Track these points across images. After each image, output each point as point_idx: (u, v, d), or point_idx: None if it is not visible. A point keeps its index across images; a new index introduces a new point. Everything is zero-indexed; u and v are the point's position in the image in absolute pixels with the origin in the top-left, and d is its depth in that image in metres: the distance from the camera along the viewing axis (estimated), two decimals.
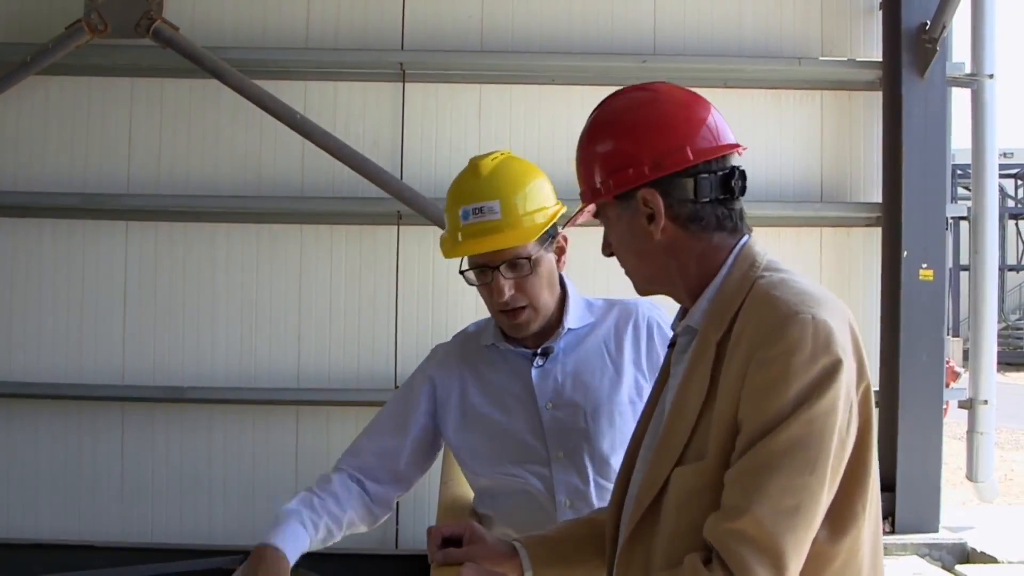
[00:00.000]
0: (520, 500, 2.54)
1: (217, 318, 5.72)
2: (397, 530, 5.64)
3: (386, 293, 5.72)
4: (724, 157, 1.75)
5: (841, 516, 1.58)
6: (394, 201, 5.48)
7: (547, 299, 2.54)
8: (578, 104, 5.72)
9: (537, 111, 5.78)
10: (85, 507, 5.65)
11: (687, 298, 1.77)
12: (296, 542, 2.49)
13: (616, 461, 2.45)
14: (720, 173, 1.73)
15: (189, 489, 5.65)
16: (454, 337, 2.80)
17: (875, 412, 1.65)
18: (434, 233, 5.55)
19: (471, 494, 2.91)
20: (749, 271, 1.70)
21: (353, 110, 5.78)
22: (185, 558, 5.40)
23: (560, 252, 2.57)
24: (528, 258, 2.47)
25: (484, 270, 2.48)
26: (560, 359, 2.57)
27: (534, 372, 2.56)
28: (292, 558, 2.45)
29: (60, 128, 5.74)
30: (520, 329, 2.53)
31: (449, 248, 2.54)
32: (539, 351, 2.57)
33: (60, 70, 5.55)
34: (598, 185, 1.76)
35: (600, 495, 2.47)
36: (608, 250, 1.84)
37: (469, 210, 2.48)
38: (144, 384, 5.65)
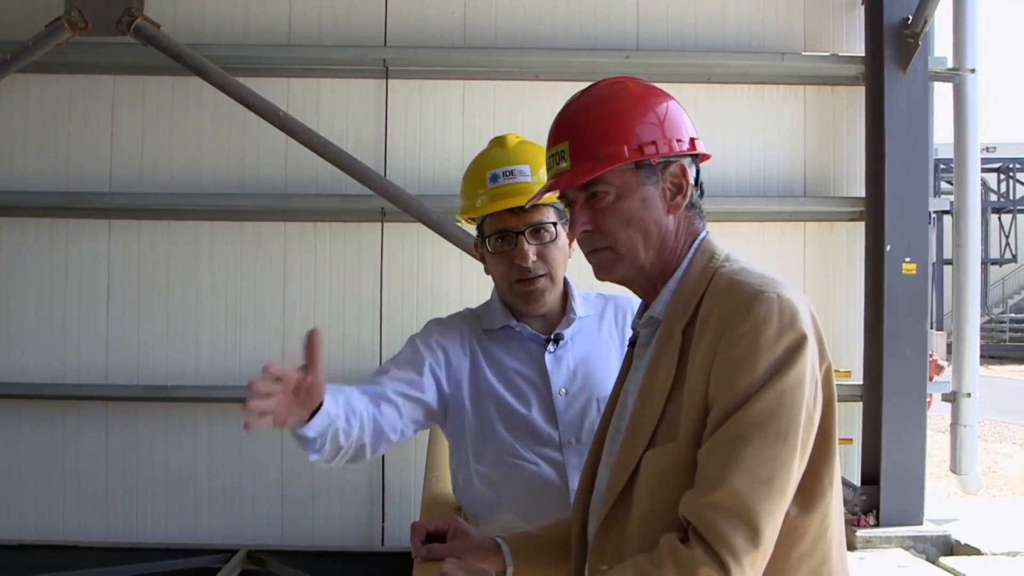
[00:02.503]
0: (532, 486, 2.52)
1: (201, 316, 5.71)
2: (383, 527, 5.65)
3: (370, 290, 5.72)
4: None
5: (810, 491, 1.61)
6: (378, 198, 5.48)
7: (561, 273, 2.57)
8: (561, 100, 5.68)
9: (520, 107, 5.79)
10: (69, 507, 5.64)
11: (656, 283, 1.79)
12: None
13: None
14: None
15: (174, 488, 5.64)
16: (452, 316, 2.75)
17: (835, 392, 1.69)
18: (418, 229, 5.57)
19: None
20: (709, 262, 1.74)
21: (336, 107, 5.78)
22: (171, 557, 5.39)
23: (571, 238, 2.57)
24: (554, 224, 2.50)
25: (507, 236, 2.48)
26: (570, 346, 2.58)
27: (548, 358, 2.56)
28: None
29: (41, 127, 5.71)
30: (535, 299, 2.52)
31: (478, 207, 2.52)
32: (552, 336, 2.57)
33: (40, 68, 5.53)
34: (646, 145, 1.75)
35: None
36: (587, 227, 1.78)
37: (499, 173, 2.51)
38: (128, 383, 5.63)
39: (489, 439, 2.56)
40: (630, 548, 1.66)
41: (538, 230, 2.48)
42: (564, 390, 2.53)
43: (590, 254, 1.81)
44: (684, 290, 1.73)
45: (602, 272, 1.82)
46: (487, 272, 2.62)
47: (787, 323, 1.57)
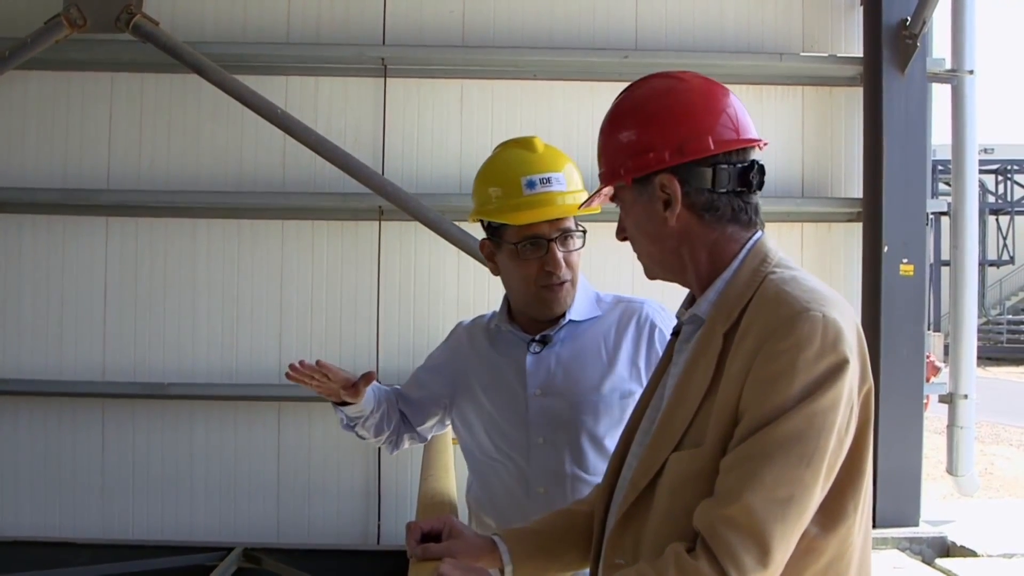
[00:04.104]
0: (499, 484, 2.58)
1: (198, 314, 5.70)
2: (379, 526, 5.64)
3: (368, 288, 5.72)
4: (744, 150, 1.74)
5: (832, 513, 1.58)
6: (376, 196, 5.48)
7: (579, 279, 2.60)
8: (560, 99, 5.73)
9: (519, 106, 5.78)
10: (65, 504, 5.63)
11: (696, 286, 1.78)
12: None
13: (593, 454, 2.50)
14: (739, 165, 1.72)
15: (170, 486, 5.63)
16: (476, 317, 2.84)
17: (872, 415, 1.65)
18: (416, 228, 5.57)
19: (451, 489, 2.93)
20: (760, 266, 1.70)
21: (334, 105, 5.77)
22: (166, 555, 5.39)
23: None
24: (584, 232, 2.52)
25: (538, 243, 2.48)
26: (557, 348, 2.58)
27: (529, 358, 2.57)
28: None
29: (39, 123, 5.71)
30: (557, 304, 2.54)
31: (519, 214, 2.48)
32: (537, 338, 2.59)
33: (39, 65, 5.52)
34: (618, 168, 1.75)
35: (575, 485, 2.49)
36: (622, 234, 1.84)
37: (536, 180, 2.48)
38: (125, 380, 5.63)
39: (473, 438, 2.64)
40: (646, 546, 1.65)
41: (567, 237, 2.50)
42: (539, 390, 2.55)
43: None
44: (731, 293, 1.69)
45: (646, 273, 1.86)
46: (495, 273, 2.63)
47: (829, 345, 1.53)
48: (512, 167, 2.53)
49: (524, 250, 2.48)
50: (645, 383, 2.49)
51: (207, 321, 5.70)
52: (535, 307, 2.56)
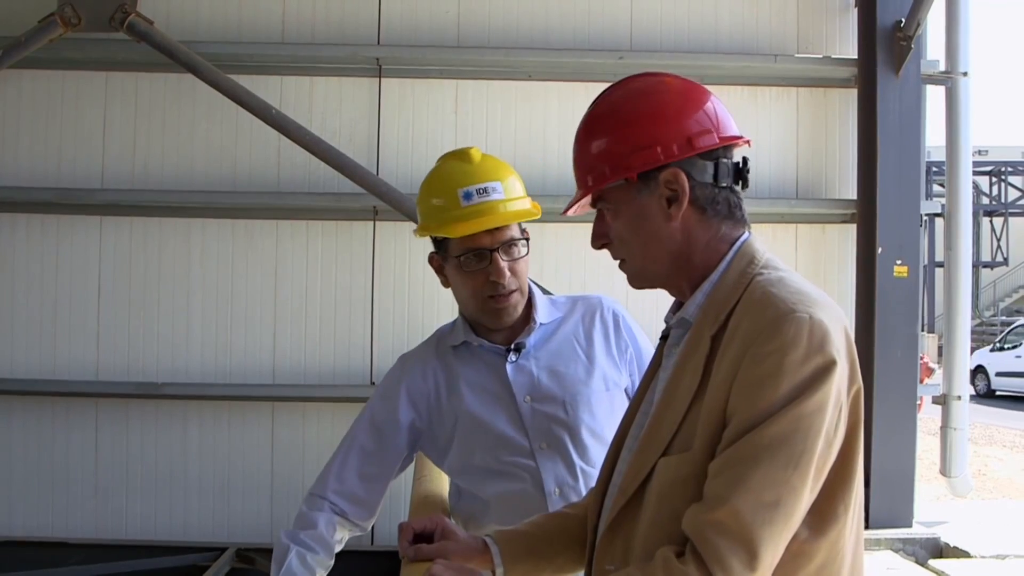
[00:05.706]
0: (511, 492, 2.55)
1: (192, 313, 5.70)
2: (373, 526, 5.63)
3: (362, 288, 5.71)
4: (729, 147, 1.73)
5: (822, 515, 1.57)
6: (370, 196, 5.47)
7: (527, 285, 2.58)
8: (555, 99, 5.72)
9: (514, 107, 5.78)
10: (59, 503, 5.62)
11: (685, 289, 1.75)
12: None
13: (596, 447, 2.51)
14: (731, 161, 1.72)
15: (164, 485, 5.62)
16: (419, 346, 2.78)
17: (862, 416, 1.63)
18: (410, 228, 5.55)
19: (444, 490, 2.92)
20: (748, 267, 1.68)
21: (329, 105, 5.77)
22: (160, 555, 5.38)
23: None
24: (526, 239, 2.52)
25: (481, 254, 2.47)
26: (533, 354, 2.58)
27: (509, 368, 2.57)
28: None
29: (33, 122, 5.70)
30: (506, 314, 2.54)
31: (457, 226, 2.46)
32: (512, 347, 2.58)
33: (33, 64, 5.51)
34: (618, 166, 1.70)
35: (586, 481, 2.49)
36: (599, 242, 1.79)
37: (472, 191, 2.47)
38: (118, 380, 5.62)
39: (464, 455, 2.60)
40: (635, 552, 1.65)
41: (510, 247, 2.49)
42: (529, 397, 2.55)
43: (619, 264, 1.81)
44: (718, 295, 1.67)
45: (631, 282, 1.81)
46: (445, 286, 2.61)
47: (816, 346, 1.52)
48: (449, 180, 2.53)
49: (468, 262, 2.47)
50: (622, 371, 2.52)
51: (201, 321, 5.70)
52: (487, 318, 2.56)
